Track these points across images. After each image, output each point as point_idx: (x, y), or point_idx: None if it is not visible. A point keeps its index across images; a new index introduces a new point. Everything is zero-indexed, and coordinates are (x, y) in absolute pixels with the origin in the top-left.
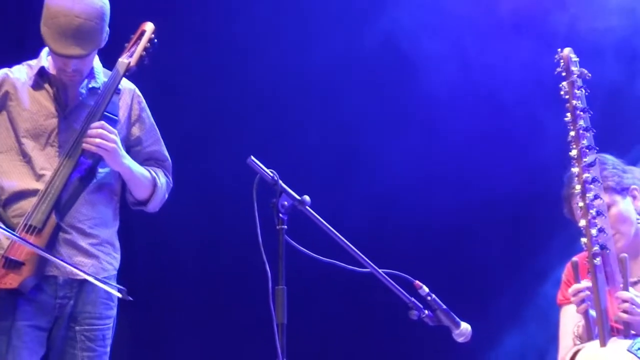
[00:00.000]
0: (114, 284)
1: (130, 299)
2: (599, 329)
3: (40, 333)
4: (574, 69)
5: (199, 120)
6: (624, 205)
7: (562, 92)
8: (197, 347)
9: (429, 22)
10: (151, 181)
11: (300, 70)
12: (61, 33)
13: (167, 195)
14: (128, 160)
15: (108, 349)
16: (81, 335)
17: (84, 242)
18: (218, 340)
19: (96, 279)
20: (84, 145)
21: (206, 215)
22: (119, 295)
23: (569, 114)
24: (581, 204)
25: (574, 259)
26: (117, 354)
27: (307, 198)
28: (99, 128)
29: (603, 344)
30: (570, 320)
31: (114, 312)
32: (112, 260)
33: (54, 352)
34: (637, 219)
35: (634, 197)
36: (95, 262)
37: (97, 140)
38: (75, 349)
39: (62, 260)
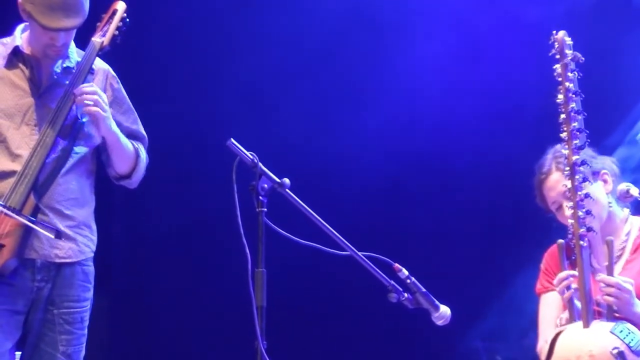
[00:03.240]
0: (91, 264)
1: (63, 239)
2: (583, 310)
3: (17, 317)
4: (568, 52)
5: (179, 102)
6: (593, 188)
7: (555, 74)
8: (176, 330)
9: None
10: (134, 153)
11: (279, 53)
12: (49, 7)
13: (144, 171)
14: (116, 128)
15: (85, 331)
16: (59, 318)
17: (61, 225)
18: (197, 322)
19: (30, 220)
20: (82, 102)
21: (185, 198)
22: (52, 236)
23: (560, 96)
24: (569, 184)
25: (560, 241)
26: (94, 336)
27: (286, 180)
28: (94, 93)
29: (586, 325)
30: (549, 308)
31: (90, 294)
32: (89, 243)
33: (31, 335)
34: (609, 203)
35: (605, 182)
36: (73, 245)
37: (94, 99)
38: (53, 332)
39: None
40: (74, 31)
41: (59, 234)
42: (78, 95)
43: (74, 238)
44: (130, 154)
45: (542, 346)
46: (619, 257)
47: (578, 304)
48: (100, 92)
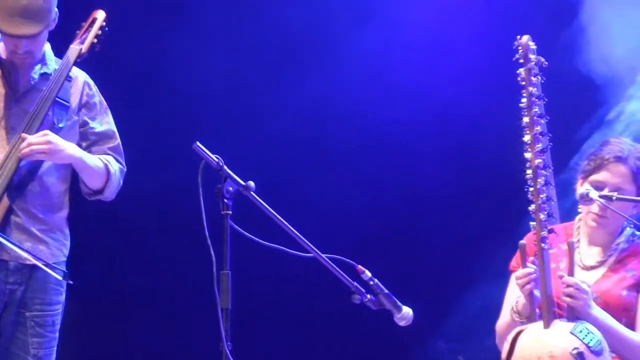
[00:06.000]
0: (63, 269)
1: (71, 282)
2: (544, 311)
3: None
4: (532, 56)
5: (148, 107)
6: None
7: (519, 79)
8: (144, 331)
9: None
10: (104, 169)
11: (244, 56)
12: (9, 13)
13: (121, 181)
14: (76, 152)
15: (57, 334)
16: (31, 321)
17: (34, 228)
18: (164, 324)
19: (43, 262)
20: (22, 156)
21: (152, 202)
22: (60, 278)
23: (524, 100)
24: (532, 188)
25: (521, 242)
26: (65, 339)
27: (251, 184)
28: (41, 144)
29: (547, 325)
30: (517, 288)
31: (62, 297)
32: (61, 247)
33: (3, 337)
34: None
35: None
36: (45, 248)
37: (28, 149)
38: (25, 335)
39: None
40: (40, 39)
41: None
42: (24, 148)
43: (45, 241)
44: (100, 171)
45: (501, 325)
46: (603, 263)
47: (537, 293)
48: (48, 137)
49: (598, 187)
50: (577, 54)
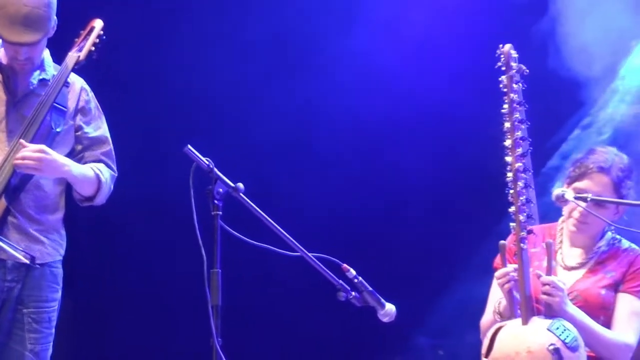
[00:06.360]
0: (59, 267)
1: (38, 266)
2: (522, 308)
3: None
4: (513, 64)
5: (141, 112)
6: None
7: (501, 86)
8: (137, 327)
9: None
10: (95, 178)
11: (238, 61)
12: (11, 21)
13: (112, 187)
14: (67, 166)
15: (53, 330)
16: (28, 317)
17: (30, 228)
18: (156, 321)
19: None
20: (16, 167)
21: (146, 202)
22: (27, 261)
23: (506, 106)
24: (512, 190)
25: (502, 242)
26: (60, 336)
27: (240, 185)
28: (33, 159)
29: (525, 322)
30: (499, 292)
31: (58, 295)
32: (57, 247)
33: (1, 333)
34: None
35: None
36: (42, 248)
37: (21, 162)
38: (22, 331)
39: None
40: (40, 46)
41: (33, 259)
42: (18, 160)
43: (42, 241)
44: (91, 180)
45: (485, 322)
46: (584, 264)
47: (516, 294)
48: (42, 153)
49: (580, 194)
50: (551, 54)
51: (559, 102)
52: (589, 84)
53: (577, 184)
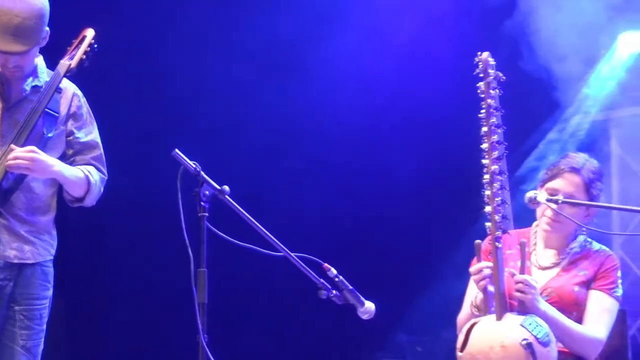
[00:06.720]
0: (50, 266)
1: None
2: (496, 305)
3: None
4: (491, 71)
5: (131, 119)
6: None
7: (479, 91)
8: (126, 323)
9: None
10: (84, 180)
11: (226, 66)
12: (2, 31)
13: (102, 189)
14: (57, 167)
15: (44, 327)
16: (20, 314)
17: (22, 229)
18: (145, 318)
19: None
20: (8, 167)
21: (135, 204)
22: None
23: (483, 111)
24: (488, 192)
25: (477, 241)
26: (51, 332)
27: (226, 188)
28: (26, 159)
29: (499, 318)
30: (476, 290)
31: (50, 292)
32: (48, 247)
33: None
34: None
35: None
36: (32, 248)
37: (13, 162)
38: (14, 327)
39: None
40: (29, 55)
41: None
42: (10, 160)
43: (33, 242)
44: (80, 181)
45: (461, 319)
46: (557, 264)
47: (491, 288)
48: (34, 153)
49: (552, 194)
50: (526, 56)
51: (534, 104)
52: (562, 85)
53: (550, 184)
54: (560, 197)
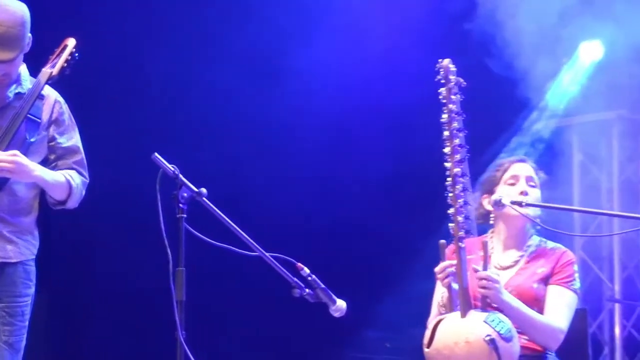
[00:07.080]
0: (32, 264)
1: None
2: (460, 302)
3: None
4: (452, 77)
5: (112, 123)
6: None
7: (440, 97)
8: (107, 320)
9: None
10: (66, 184)
11: (207, 71)
12: None
13: (84, 192)
14: (38, 171)
15: (27, 323)
16: (2, 311)
17: (4, 230)
18: (125, 315)
19: None
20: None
21: (115, 206)
22: None
23: (445, 116)
24: (451, 194)
25: (441, 241)
26: (34, 327)
27: (203, 190)
28: (8, 162)
29: (463, 315)
30: (442, 290)
31: (32, 290)
32: (30, 247)
33: None
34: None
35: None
36: (15, 248)
37: (8, 168)
38: None
39: None
40: (16, 62)
41: None
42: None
43: (15, 241)
44: (62, 185)
45: (431, 321)
46: (516, 263)
47: (456, 286)
48: (16, 157)
49: (514, 183)
50: (486, 61)
51: (498, 110)
52: (525, 91)
53: (508, 174)
54: (524, 200)
